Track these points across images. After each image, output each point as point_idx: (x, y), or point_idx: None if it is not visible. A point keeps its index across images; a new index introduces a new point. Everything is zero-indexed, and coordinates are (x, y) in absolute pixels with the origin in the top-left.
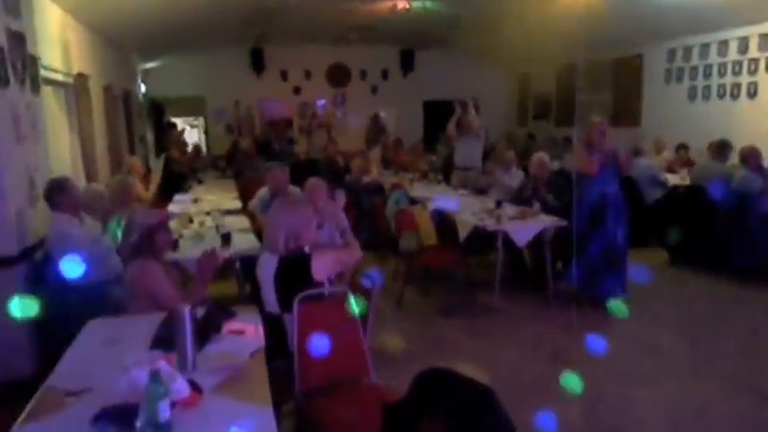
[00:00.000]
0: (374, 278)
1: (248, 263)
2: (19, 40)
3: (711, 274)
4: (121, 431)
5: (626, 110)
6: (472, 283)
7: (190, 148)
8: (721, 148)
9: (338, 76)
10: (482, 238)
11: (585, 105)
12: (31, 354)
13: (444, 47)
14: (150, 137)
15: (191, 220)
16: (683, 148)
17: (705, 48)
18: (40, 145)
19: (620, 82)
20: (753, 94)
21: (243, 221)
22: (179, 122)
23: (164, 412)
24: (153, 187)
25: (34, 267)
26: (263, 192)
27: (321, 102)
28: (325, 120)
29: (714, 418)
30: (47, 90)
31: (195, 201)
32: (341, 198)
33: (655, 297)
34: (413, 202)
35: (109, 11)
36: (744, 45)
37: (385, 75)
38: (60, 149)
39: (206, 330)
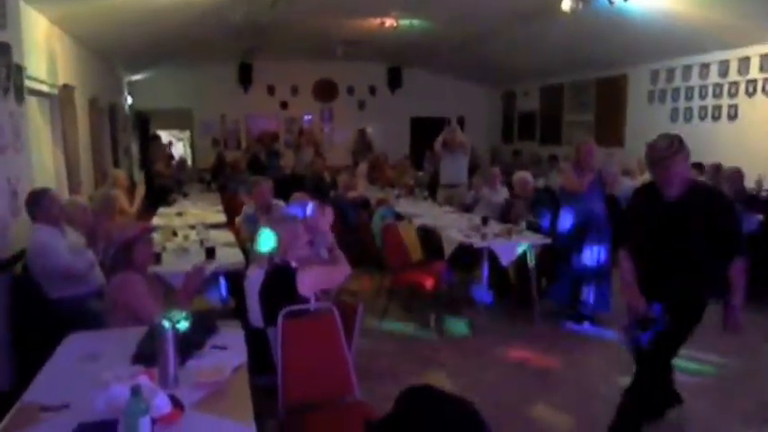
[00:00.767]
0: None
1: (232, 277)
2: (4, 49)
3: None
4: None
5: (609, 129)
6: (457, 301)
7: (175, 162)
8: (717, 171)
9: (325, 91)
10: (467, 255)
11: (569, 124)
12: (7, 367)
13: (431, 64)
14: (135, 149)
15: (174, 234)
16: None
17: (687, 70)
18: (22, 155)
19: (604, 102)
20: (733, 116)
21: (227, 236)
22: (164, 135)
23: (144, 429)
24: (137, 201)
25: (14, 279)
26: (247, 207)
27: (308, 117)
28: (312, 135)
29: None
30: (31, 100)
31: (179, 214)
32: (329, 214)
33: None
34: (398, 217)
35: (96, 23)
36: (724, 68)
37: (372, 91)
38: (44, 161)
39: (188, 345)
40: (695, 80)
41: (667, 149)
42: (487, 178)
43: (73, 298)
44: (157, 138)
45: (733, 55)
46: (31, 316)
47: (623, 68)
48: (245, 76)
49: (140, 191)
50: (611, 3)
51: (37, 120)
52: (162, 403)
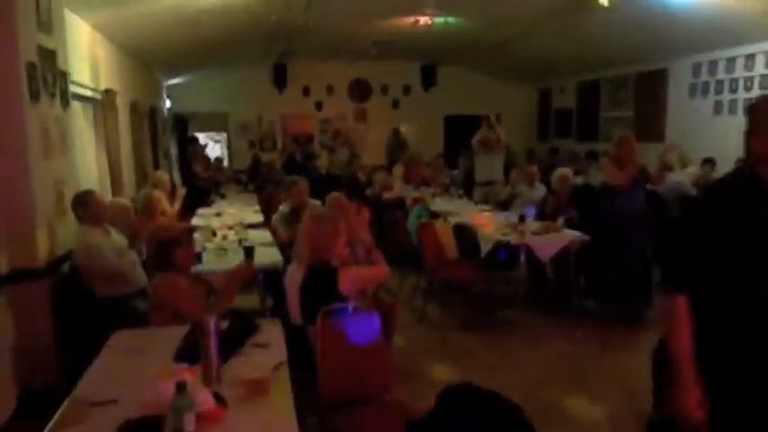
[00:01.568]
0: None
1: (271, 276)
2: (50, 56)
3: None
4: None
5: (649, 124)
6: (494, 299)
7: (213, 163)
8: None
9: (359, 91)
10: (504, 253)
11: (608, 120)
12: (55, 365)
13: (465, 62)
14: (174, 152)
15: (214, 234)
16: (708, 162)
17: (731, 62)
18: (68, 159)
19: (644, 96)
20: None
21: (265, 235)
22: (202, 137)
23: (189, 424)
24: (178, 203)
25: (61, 279)
26: (284, 206)
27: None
28: (347, 136)
29: None
30: (75, 105)
31: (218, 214)
32: (365, 214)
33: None
34: (433, 216)
35: (135, 28)
36: None
37: (406, 90)
38: (87, 163)
39: (230, 343)
40: (740, 72)
41: None
42: (526, 175)
43: (117, 297)
44: (195, 140)
45: None
46: (77, 315)
47: (663, 62)
48: (280, 78)
49: (181, 192)
50: None
51: (81, 124)
52: (206, 400)
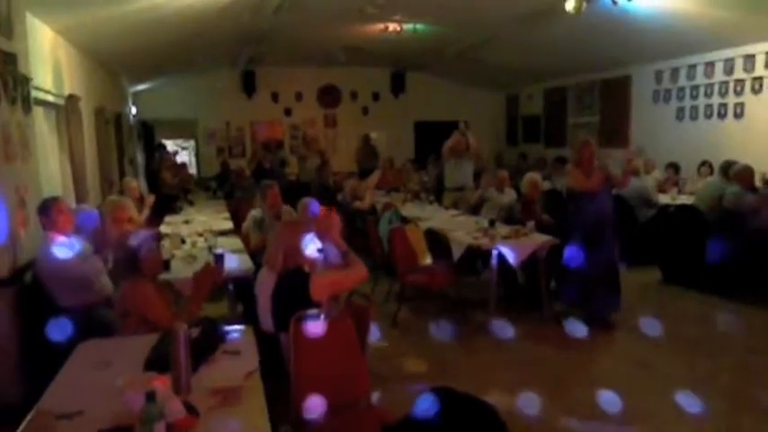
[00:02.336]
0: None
1: (241, 284)
2: (11, 59)
3: (704, 291)
4: None
5: (614, 130)
6: (466, 303)
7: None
8: (726, 169)
9: (329, 97)
10: (476, 258)
11: (575, 126)
12: (19, 377)
13: (434, 69)
14: (140, 159)
15: (183, 241)
16: (672, 167)
17: (692, 69)
18: (30, 165)
19: (609, 102)
20: (739, 114)
21: (235, 242)
22: (169, 144)
23: None
24: (146, 211)
25: (24, 289)
26: (255, 211)
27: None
28: (317, 143)
29: None
30: (38, 110)
31: (187, 222)
32: (336, 217)
33: (648, 314)
34: (405, 221)
35: (100, 33)
36: (729, 66)
37: (376, 96)
38: (51, 170)
39: (200, 351)
40: (700, 79)
41: None
42: (496, 180)
43: (82, 306)
44: (163, 147)
45: (738, 53)
46: (41, 325)
47: (627, 69)
48: (249, 84)
49: (150, 200)
50: (614, 2)
51: (43, 129)
52: (176, 409)
